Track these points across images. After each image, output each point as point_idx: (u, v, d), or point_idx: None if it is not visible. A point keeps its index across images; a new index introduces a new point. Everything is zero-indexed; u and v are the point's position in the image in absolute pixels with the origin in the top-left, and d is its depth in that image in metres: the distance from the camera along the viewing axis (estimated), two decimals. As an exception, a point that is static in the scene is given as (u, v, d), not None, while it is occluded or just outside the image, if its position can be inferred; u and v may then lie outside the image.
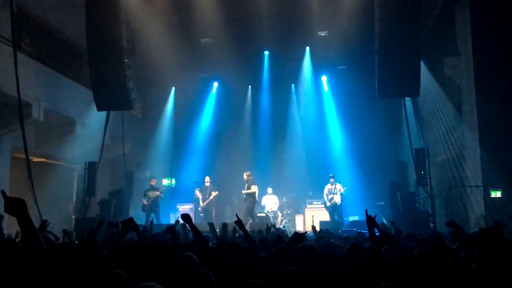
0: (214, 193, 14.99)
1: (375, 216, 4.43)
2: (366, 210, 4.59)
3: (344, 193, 14.33)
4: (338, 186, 14.34)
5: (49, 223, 6.00)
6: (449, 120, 14.31)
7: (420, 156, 12.18)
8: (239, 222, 5.00)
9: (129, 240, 5.97)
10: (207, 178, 15.20)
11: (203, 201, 14.87)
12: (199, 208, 14.80)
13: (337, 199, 14.29)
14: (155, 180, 15.01)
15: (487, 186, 12.20)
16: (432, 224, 11.47)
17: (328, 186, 14.38)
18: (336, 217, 14.09)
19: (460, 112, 13.74)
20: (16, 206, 2.59)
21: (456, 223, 5.82)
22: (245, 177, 14.32)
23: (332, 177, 14.35)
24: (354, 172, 15.93)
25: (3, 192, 2.70)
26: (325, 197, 14.43)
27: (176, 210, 15.28)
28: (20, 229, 2.66)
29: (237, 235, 7.11)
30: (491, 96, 12.26)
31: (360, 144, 16.34)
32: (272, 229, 9.18)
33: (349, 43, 15.58)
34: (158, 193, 14.35)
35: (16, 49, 10.19)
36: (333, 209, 14.30)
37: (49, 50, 13.56)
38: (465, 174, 13.13)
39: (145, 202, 14.24)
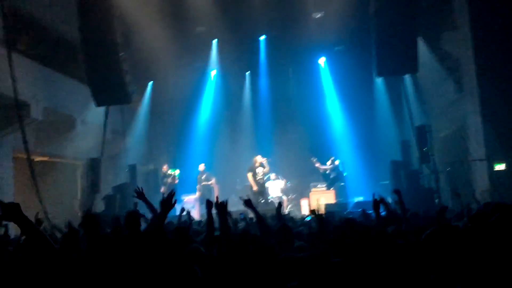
0: (212, 180, 15.12)
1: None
2: (373, 194, 4.76)
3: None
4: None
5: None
6: (449, 95, 14.23)
7: (422, 133, 12.13)
8: (248, 202, 4.73)
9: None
10: (202, 166, 15.29)
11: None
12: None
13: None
14: (166, 167, 15.31)
15: (491, 159, 12.15)
16: (437, 201, 11.45)
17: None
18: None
19: (460, 86, 13.65)
20: (11, 211, 2.57)
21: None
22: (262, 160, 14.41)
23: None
24: (356, 152, 15.91)
25: None
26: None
27: (181, 200, 15.32)
28: (21, 232, 2.65)
29: (239, 225, 7.03)
30: (491, 68, 12.15)
31: (362, 124, 16.28)
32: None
33: (345, 23, 15.41)
34: (176, 181, 14.88)
35: (10, 49, 10.14)
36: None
37: (44, 49, 13.48)
38: (468, 148, 13.08)
39: (162, 190, 14.56)
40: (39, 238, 2.67)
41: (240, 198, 4.92)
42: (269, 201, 14.34)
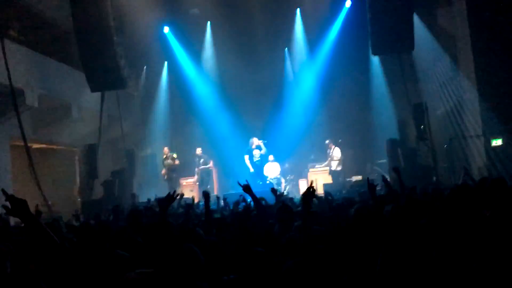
0: (209, 163, 15.22)
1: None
2: (368, 178, 4.85)
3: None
4: (336, 151, 14.41)
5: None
6: (446, 72, 14.19)
7: (419, 111, 12.11)
8: (247, 187, 4.74)
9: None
10: (199, 150, 15.36)
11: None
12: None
13: (333, 165, 14.40)
14: (166, 149, 15.44)
15: (488, 135, 12.20)
16: (435, 178, 11.51)
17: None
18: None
19: (456, 63, 13.61)
20: (18, 207, 2.61)
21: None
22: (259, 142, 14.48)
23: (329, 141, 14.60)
24: (353, 131, 15.91)
25: (4, 192, 2.71)
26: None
27: (179, 184, 15.40)
28: (26, 229, 2.69)
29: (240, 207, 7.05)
30: (487, 44, 12.11)
31: (358, 103, 16.27)
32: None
33: (340, 2, 15.35)
34: (177, 162, 14.90)
35: (3, 36, 10.06)
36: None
37: (38, 35, 13.35)
38: (464, 124, 13.12)
39: (164, 171, 14.63)
40: (42, 235, 2.70)
41: (238, 183, 4.94)
42: (267, 182, 14.39)
